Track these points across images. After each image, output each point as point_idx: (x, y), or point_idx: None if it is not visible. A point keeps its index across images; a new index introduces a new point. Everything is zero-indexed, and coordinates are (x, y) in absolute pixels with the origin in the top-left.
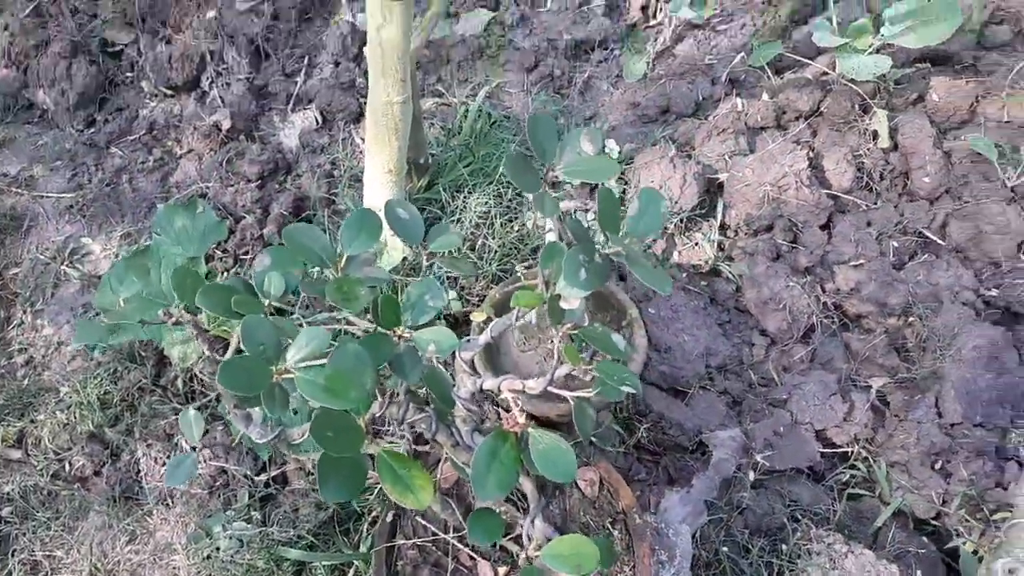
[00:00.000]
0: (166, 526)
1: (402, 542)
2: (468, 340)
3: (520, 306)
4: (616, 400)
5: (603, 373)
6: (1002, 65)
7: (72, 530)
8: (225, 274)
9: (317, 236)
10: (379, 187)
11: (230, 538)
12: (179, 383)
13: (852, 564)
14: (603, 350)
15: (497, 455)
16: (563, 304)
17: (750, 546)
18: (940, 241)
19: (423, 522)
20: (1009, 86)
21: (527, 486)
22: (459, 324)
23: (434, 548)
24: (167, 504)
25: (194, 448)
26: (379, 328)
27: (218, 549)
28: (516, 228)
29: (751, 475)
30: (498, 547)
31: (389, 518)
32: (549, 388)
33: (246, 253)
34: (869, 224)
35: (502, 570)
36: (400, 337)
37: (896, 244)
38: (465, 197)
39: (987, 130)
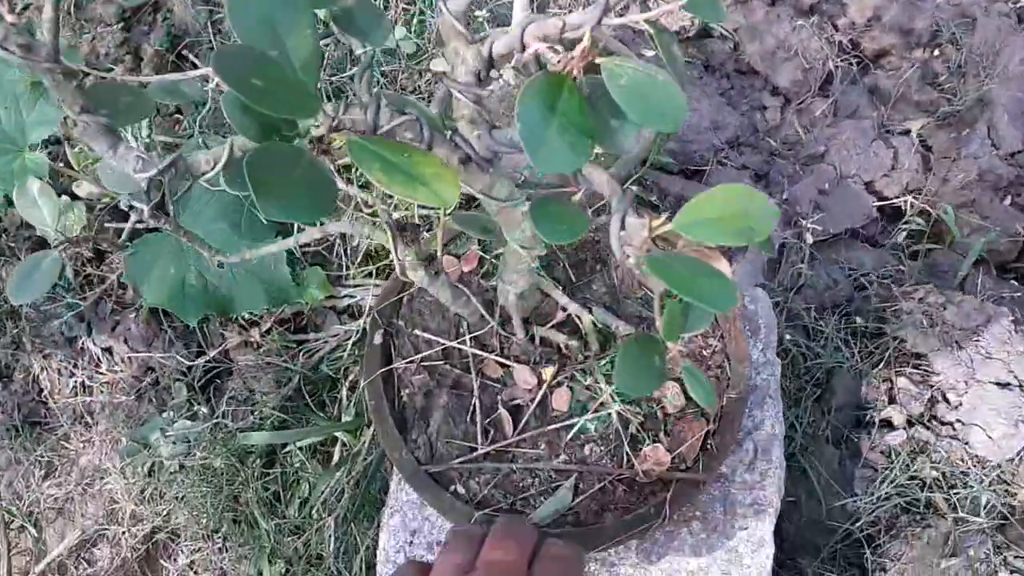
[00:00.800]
0: (90, 448)
1: (402, 365)
2: None
3: None
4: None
5: None
6: None
7: None
8: None
9: None
10: None
11: (174, 442)
12: (68, 272)
13: (954, 314)
14: None
15: (555, 107)
16: None
17: (819, 326)
18: None
19: (426, 335)
20: None
21: (596, 176)
22: None
23: (448, 366)
24: (86, 422)
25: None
26: None
27: (161, 459)
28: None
29: (808, 238)
30: (537, 342)
31: (378, 339)
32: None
33: None
34: None
35: (548, 371)
36: None
37: None
38: None
39: None
